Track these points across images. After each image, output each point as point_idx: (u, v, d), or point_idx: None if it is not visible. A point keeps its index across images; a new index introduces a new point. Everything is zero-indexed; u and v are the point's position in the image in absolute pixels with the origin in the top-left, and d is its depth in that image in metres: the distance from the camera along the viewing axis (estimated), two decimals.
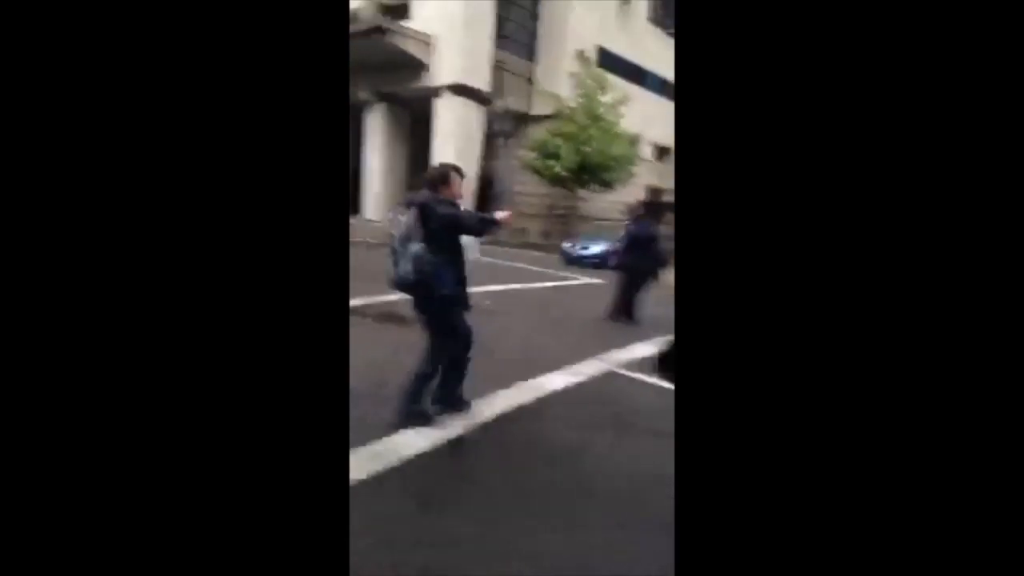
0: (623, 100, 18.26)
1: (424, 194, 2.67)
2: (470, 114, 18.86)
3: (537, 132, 18.53)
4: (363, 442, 2.46)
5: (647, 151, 21.10)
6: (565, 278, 10.59)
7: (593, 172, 18.13)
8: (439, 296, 2.63)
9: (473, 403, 3.01)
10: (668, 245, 5.93)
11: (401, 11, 19.11)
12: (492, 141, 18.75)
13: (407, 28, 18.30)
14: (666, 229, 6.12)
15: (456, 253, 2.68)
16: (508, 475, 2.42)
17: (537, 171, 18.11)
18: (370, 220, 19.44)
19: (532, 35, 20.98)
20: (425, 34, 18.38)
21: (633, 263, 6.08)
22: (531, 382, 3.64)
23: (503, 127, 15.13)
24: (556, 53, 20.47)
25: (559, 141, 17.53)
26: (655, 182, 25.19)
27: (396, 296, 3.00)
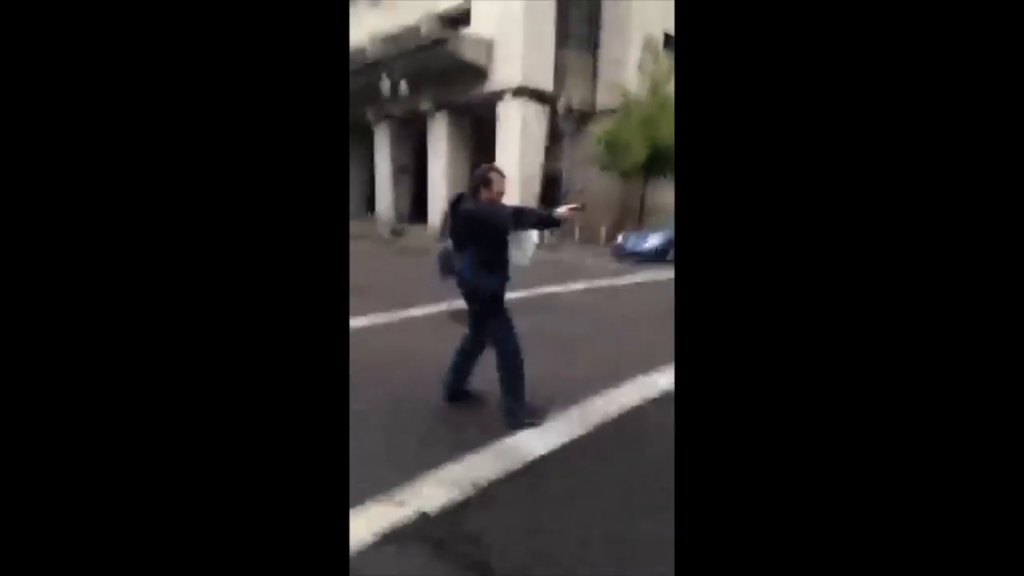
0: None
1: (456, 195, 2.88)
2: (533, 115, 18.60)
3: (604, 126, 17.99)
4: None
5: None
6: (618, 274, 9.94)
7: (664, 160, 17.26)
8: (469, 292, 2.81)
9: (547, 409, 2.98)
10: None
11: (462, 19, 19.25)
12: (556, 141, 18.40)
13: (467, 34, 18.36)
14: None
15: (488, 251, 2.73)
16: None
17: (606, 166, 17.62)
18: (433, 224, 19.56)
19: (595, 28, 20.46)
20: (485, 39, 18.36)
21: None
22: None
23: (567, 126, 14.85)
24: (620, 43, 19.82)
25: (627, 132, 16.93)
26: None
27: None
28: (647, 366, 3.80)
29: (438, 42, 17.80)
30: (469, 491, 2.20)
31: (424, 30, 19.44)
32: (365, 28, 20.97)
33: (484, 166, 2.91)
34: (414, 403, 3.11)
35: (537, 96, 18.39)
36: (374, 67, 18.71)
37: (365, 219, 22.73)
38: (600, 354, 4.34)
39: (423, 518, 2.00)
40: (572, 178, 17.57)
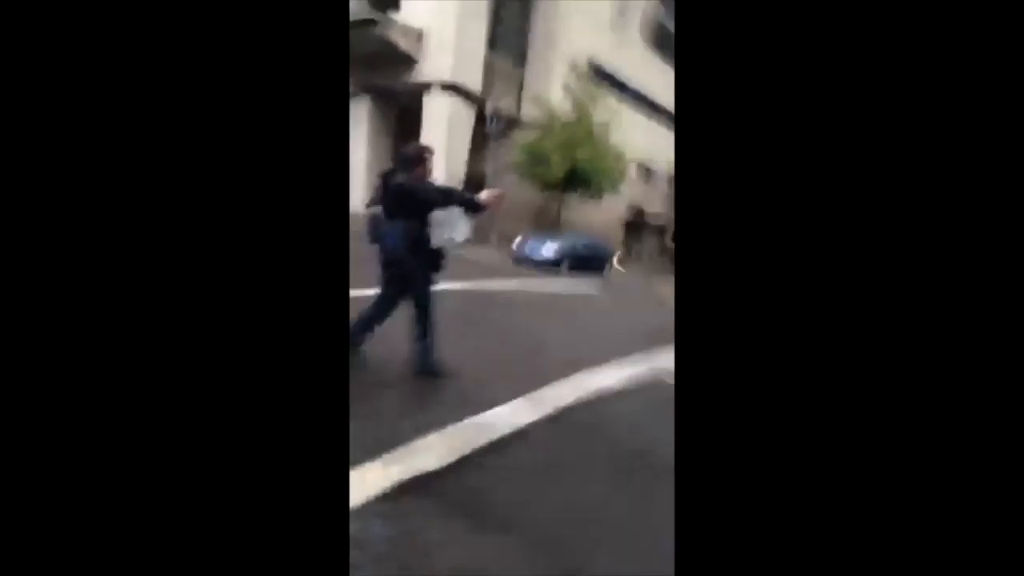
0: (615, 115, 18.53)
1: (389, 169, 3.03)
2: (460, 112, 18.33)
3: (527, 137, 18.30)
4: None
5: (631, 169, 21.17)
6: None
7: (582, 181, 18.12)
8: (391, 259, 2.99)
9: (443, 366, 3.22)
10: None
11: (391, 2, 18.58)
12: (481, 144, 18.31)
13: (397, 20, 17.74)
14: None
15: (414, 222, 2.91)
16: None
17: (526, 174, 17.91)
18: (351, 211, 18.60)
19: (522, 40, 20.77)
20: (416, 28, 17.83)
21: None
22: None
23: (494, 129, 14.98)
24: (547, 60, 20.34)
25: (550, 147, 17.39)
26: (637, 200, 25.41)
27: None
28: None
29: (367, 22, 16.97)
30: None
31: (352, 6, 18.52)
32: None
33: (415, 143, 3.20)
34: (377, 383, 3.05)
35: (465, 94, 18.16)
36: None
37: None
38: None
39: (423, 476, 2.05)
40: (495, 182, 17.62)
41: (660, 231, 26.28)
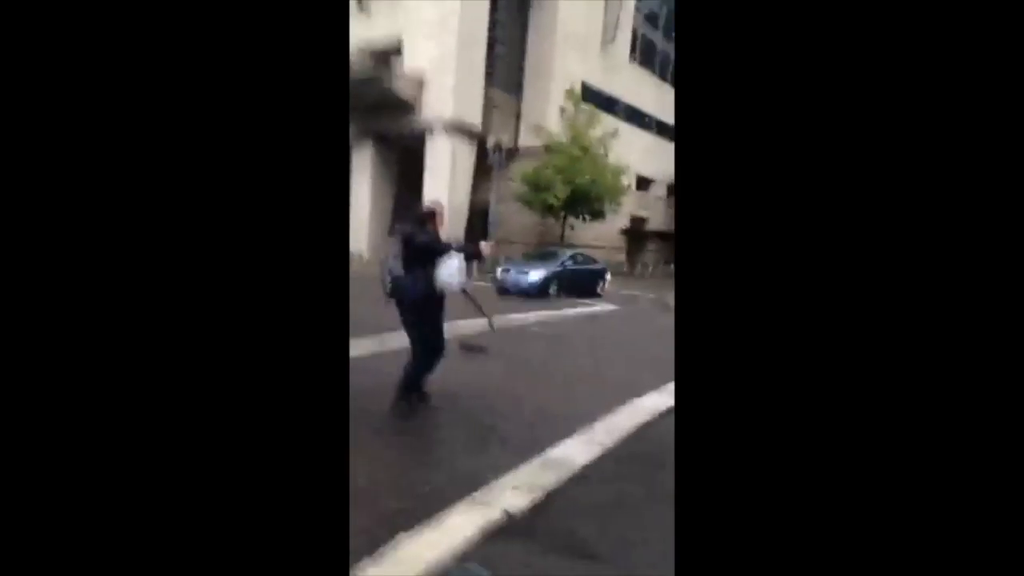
0: (612, 134, 18.99)
1: (408, 226, 3.53)
2: (461, 149, 19.24)
3: (526, 165, 18.96)
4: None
5: (628, 181, 21.75)
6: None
7: (584, 203, 18.64)
8: (409, 302, 3.41)
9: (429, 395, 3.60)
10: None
11: (393, 50, 19.56)
12: (483, 175, 19.11)
13: (400, 71, 18.74)
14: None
15: (427, 270, 3.39)
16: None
17: (528, 202, 18.56)
18: (353, 253, 19.51)
19: (518, 72, 21.66)
20: (417, 76, 18.80)
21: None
22: None
23: (497, 161, 15.60)
24: (542, 87, 21.19)
25: (550, 173, 18.00)
26: (637, 211, 26.01)
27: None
28: None
29: (371, 80, 17.98)
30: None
31: (356, 65, 19.54)
32: None
33: (430, 202, 3.74)
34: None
35: (466, 132, 19.07)
36: None
37: None
38: None
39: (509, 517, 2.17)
40: (498, 211, 18.32)
41: (662, 238, 26.52)
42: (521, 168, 18.81)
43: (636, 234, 26.22)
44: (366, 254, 19.83)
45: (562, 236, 19.41)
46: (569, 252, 13.52)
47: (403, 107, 18.91)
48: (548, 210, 18.66)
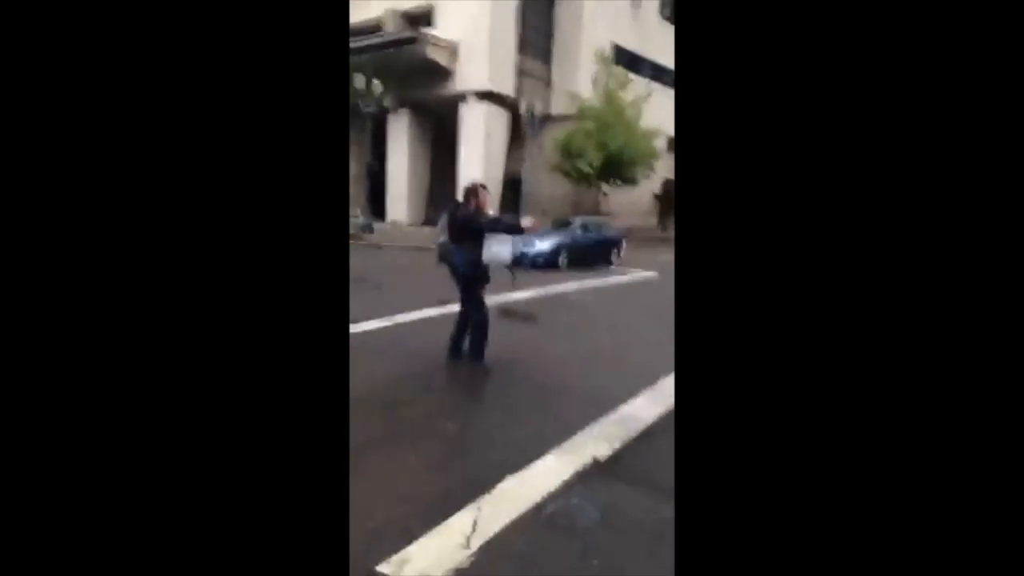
0: (644, 97, 18.76)
1: (455, 204, 4.07)
2: (495, 118, 19.36)
3: (559, 132, 18.94)
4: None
5: (661, 143, 21.58)
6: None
7: (617, 169, 18.66)
8: (461, 274, 3.95)
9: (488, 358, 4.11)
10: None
11: (424, 18, 19.61)
12: (517, 143, 19.21)
13: (433, 36, 18.77)
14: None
15: (475, 245, 3.85)
16: None
17: (564, 171, 18.62)
18: (394, 221, 20.11)
19: (548, 37, 21.44)
20: (451, 41, 18.84)
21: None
22: None
23: (531, 128, 15.66)
24: (572, 53, 20.93)
25: (583, 140, 17.99)
26: (669, 175, 25.66)
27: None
28: None
29: (407, 41, 18.07)
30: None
31: (390, 27, 19.61)
32: None
33: (473, 182, 4.11)
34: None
35: (499, 100, 19.13)
36: None
37: None
38: None
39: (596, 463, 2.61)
40: (531, 180, 18.50)
41: None
42: (552, 134, 18.81)
43: (669, 197, 25.96)
44: (406, 220, 20.26)
45: (597, 205, 19.47)
46: (580, 219, 13.04)
47: (438, 73, 18.99)
48: (582, 177, 18.71)
